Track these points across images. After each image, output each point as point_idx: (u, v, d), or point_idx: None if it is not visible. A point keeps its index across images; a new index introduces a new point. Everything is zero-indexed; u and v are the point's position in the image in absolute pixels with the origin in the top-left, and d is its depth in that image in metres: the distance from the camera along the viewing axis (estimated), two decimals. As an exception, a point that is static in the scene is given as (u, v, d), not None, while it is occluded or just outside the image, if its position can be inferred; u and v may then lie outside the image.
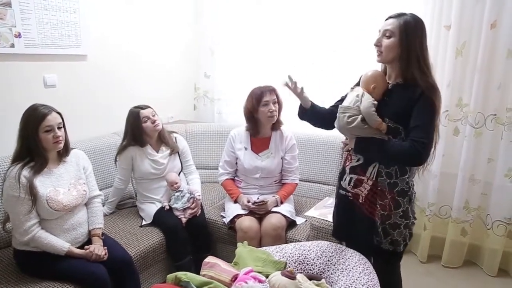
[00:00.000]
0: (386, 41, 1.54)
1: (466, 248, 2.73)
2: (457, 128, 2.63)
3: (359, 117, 1.57)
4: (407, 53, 1.52)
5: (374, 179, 1.62)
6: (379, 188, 1.61)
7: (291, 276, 1.37)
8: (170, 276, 1.43)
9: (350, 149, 1.70)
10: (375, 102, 1.57)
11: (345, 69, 2.88)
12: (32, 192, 1.71)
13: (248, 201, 2.31)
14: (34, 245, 1.76)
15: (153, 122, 2.36)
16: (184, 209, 2.35)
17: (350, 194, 1.70)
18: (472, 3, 2.43)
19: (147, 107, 2.39)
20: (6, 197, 1.73)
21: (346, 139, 1.76)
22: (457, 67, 2.53)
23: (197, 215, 2.37)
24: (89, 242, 1.93)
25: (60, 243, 1.79)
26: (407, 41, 1.51)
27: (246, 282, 1.28)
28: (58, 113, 1.81)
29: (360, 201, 1.66)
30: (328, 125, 1.81)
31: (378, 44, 1.58)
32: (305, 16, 2.99)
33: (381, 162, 1.60)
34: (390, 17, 1.56)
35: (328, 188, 2.74)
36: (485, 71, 2.45)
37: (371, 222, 1.65)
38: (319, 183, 2.80)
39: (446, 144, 2.64)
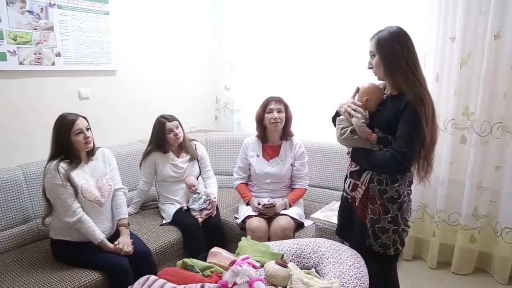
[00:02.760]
0: (372, 61, 1.68)
1: (475, 255, 2.75)
2: (464, 136, 2.69)
3: (349, 128, 1.70)
4: (389, 66, 1.62)
5: (366, 184, 1.73)
6: (370, 193, 1.73)
7: (284, 264, 1.54)
8: (179, 262, 1.63)
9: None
10: (366, 114, 1.69)
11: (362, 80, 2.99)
12: (70, 181, 1.97)
13: (259, 204, 2.49)
14: (79, 227, 1.97)
15: (175, 135, 2.59)
16: (201, 210, 2.56)
17: (349, 196, 1.85)
18: (476, 15, 2.51)
19: (173, 119, 2.62)
20: (50, 187, 1.96)
21: None
22: (463, 77, 2.60)
23: (213, 215, 2.57)
24: (114, 235, 2.15)
25: (98, 233, 2.02)
26: (385, 54, 1.61)
27: (241, 266, 1.45)
28: (84, 117, 2.07)
29: (356, 204, 1.79)
30: None
31: (370, 67, 1.72)
32: (323, 29, 3.14)
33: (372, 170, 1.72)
34: (371, 38, 1.69)
35: (338, 193, 2.85)
36: (490, 81, 2.51)
37: (364, 224, 1.77)
38: (330, 189, 2.93)
39: (454, 152, 2.70)
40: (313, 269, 1.58)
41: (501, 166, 2.61)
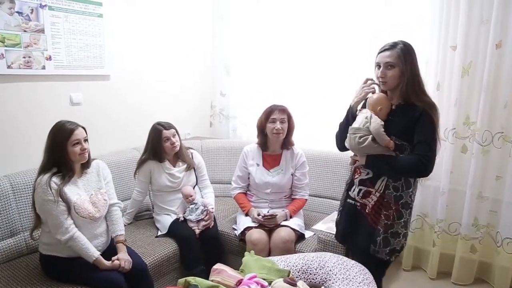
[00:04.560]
0: (389, 72, 1.73)
1: (476, 265, 2.73)
2: (465, 145, 2.67)
3: (370, 137, 1.73)
4: (408, 78, 1.72)
5: (382, 191, 1.78)
6: (385, 200, 1.78)
7: (292, 283, 1.46)
8: (181, 280, 1.54)
9: (360, 165, 1.85)
10: (382, 123, 1.74)
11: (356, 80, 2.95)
12: (62, 197, 1.86)
13: (259, 214, 2.41)
14: (71, 245, 1.86)
15: (172, 143, 2.49)
16: (198, 221, 2.46)
17: (358, 204, 1.86)
18: (477, 24, 2.50)
19: (170, 127, 2.52)
20: (41, 202, 1.84)
21: (355, 155, 1.90)
22: (464, 86, 2.58)
23: (210, 227, 2.48)
24: (109, 250, 2.05)
25: (92, 251, 1.90)
26: (406, 67, 1.71)
27: (249, 286, 1.38)
28: (83, 127, 1.96)
29: (367, 211, 1.83)
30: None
31: (383, 76, 1.75)
32: (321, 33, 3.09)
33: (390, 176, 1.77)
34: (386, 49, 1.73)
35: (337, 203, 2.77)
36: (491, 90, 2.50)
37: (372, 231, 1.81)
38: (329, 198, 2.87)
39: (454, 161, 2.68)
40: (323, 287, 1.52)
41: (501, 176, 2.59)
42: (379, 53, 1.78)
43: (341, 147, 1.97)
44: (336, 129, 2.03)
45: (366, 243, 1.81)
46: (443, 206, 2.72)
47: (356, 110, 1.87)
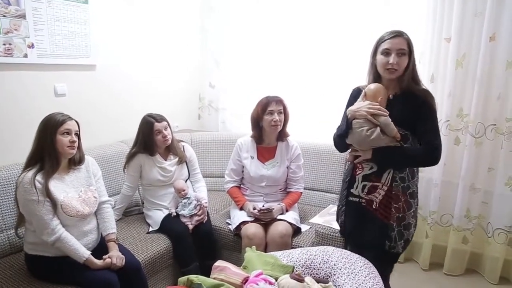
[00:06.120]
0: (401, 60, 1.68)
1: (467, 256, 2.76)
2: (458, 137, 2.68)
3: (378, 128, 1.67)
4: (410, 67, 1.70)
5: (389, 184, 1.73)
6: (393, 192, 1.73)
7: (300, 279, 1.41)
8: (182, 279, 1.47)
9: (363, 160, 1.77)
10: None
11: (350, 78, 2.91)
12: (49, 196, 1.75)
13: (254, 208, 2.35)
14: (58, 246, 1.76)
15: (164, 136, 2.40)
16: (191, 216, 2.39)
17: (363, 200, 1.79)
18: (471, 16, 2.50)
19: (161, 119, 2.42)
20: (24, 202, 1.73)
21: (355, 150, 1.81)
22: (458, 78, 2.59)
23: (204, 222, 2.40)
24: (99, 247, 1.96)
25: (82, 251, 1.80)
26: (412, 55, 1.70)
27: (257, 284, 1.32)
28: (76, 122, 1.86)
29: (374, 207, 1.76)
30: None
31: (396, 64, 1.67)
32: (309, 26, 3.05)
33: (396, 168, 1.72)
34: (395, 36, 1.67)
35: (332, 196, 2.78)
36: (485, 82, 2.52)
37: (384, 226, 1.74)
38: (323, 191, 2.84)
39: (447, 153, 2.68)
40: (330, 283, 1.48)
41: (493, 168, 2.62)
42: (385, 40, 1.70)
43: (342, 149, 1.90)
44: (330, 125, 2.01)
45: (380, 240, 1.74)
46: (436, 198, 2.74)
47: (351, 123, 1.74)
